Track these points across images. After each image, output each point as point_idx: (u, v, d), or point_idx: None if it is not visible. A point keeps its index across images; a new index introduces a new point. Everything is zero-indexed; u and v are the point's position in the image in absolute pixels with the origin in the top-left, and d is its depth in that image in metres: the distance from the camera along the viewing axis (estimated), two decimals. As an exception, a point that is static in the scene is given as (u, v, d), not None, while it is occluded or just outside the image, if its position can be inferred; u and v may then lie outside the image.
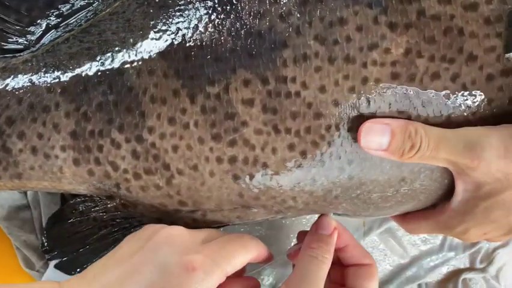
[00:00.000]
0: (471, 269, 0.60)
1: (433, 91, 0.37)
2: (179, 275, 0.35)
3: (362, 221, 0.58)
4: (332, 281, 0.45)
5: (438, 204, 0.43)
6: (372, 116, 0.37)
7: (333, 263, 0.44)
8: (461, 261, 0.60)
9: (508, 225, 0.40)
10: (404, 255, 0.59)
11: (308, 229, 0.45)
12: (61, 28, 0.44)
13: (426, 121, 0.37)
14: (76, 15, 0.44)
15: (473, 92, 0.37)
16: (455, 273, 0.60)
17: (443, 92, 0.37)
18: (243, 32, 0.38)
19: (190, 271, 0.35)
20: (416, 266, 0.59)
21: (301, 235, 0.46)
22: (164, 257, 0.36)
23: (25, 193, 0.51)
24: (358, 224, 0.58)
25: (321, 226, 0.43)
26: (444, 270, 0.60)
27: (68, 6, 0.44)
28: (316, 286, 0.40)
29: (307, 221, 0.56)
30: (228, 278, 0.38)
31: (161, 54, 0.39)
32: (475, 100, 0.37)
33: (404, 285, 0.59)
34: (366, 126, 0.37)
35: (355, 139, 0.38)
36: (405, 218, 0.45)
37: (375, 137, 0.37)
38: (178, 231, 0.39)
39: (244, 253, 0.39)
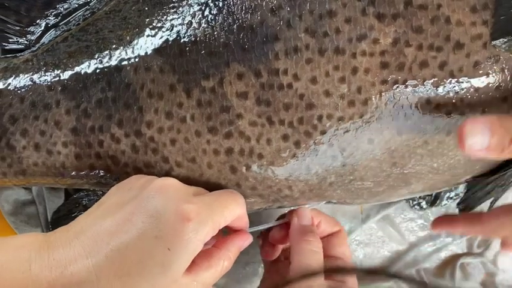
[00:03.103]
0: (469, 253, 0.61)
1: (421, 79, 0.38)
2: (174, 224, 0.35)
3: (360, 209, 0.59)
4: None
5: None
6: (364, 104, 0.38)
7: None
8: (458, 246, 0.61)
9: None
10: (402, 242, 0.60)
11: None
12: (60, 27, 0.45)
13: (417, 107, 0.38)
14: (74, 15, 0.45)
15: (461, 79, 0.38)
16: (453, 258, 0.61)
17: (431, 80, 0.38)
18: (235, 26, 0.39)
19: (185, 221, 0.35)
20: (414, 252, 0.60)
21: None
22: (157, 206, 0.35)
23: (30, 189, 0.53)
24: (356, 212, 0.59)
25: (302, 217, 0.44)
26: (442, 255, 0.61)
27: (66, 6, 0.45)
28: (319, 277, 0.41)
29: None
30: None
31: (157, 50, 0.40)
32: (463, 87, 0.38)
33: (402, 271, 0.60)
34: (469, 128, 0.36)
35: (346, 128, 0.39)
36: (481, 218, 0.43)
37: (478, 137, 0.35)
38: (170, 181, 0.38)
39: (235, 207, 0.39)
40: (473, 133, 0.35)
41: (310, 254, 0.42)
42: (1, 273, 0.32)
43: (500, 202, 0.60)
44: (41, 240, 0.35)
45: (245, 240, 0.42)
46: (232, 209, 0.39)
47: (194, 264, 0.36)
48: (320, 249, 0.43)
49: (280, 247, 0.49)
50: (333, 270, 0.45)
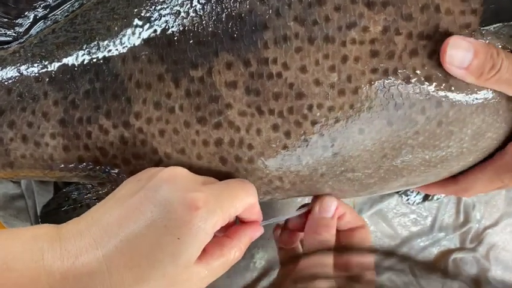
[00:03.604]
0: (461, 249, 0.61)
1: (411, 68, 0.38)
2: (182, 213, 0.35)
3: (352, 204, 0.59)
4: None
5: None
6: (354, 93, 0.38)
7: None
8: (451, 241, 0.61)
9: None
10: (394, 237, 0.60)
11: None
12: (48, 19, 0.45)
13: (407, 97, 0.38)
14: (62, 6, 0.45)
15: None
16: (446, 254, 0.61)
17: (422, 69, 0.38)
18: (224, 15, 0.38)
19: (193, 209, 0.35)
20: (406, 247, 0.60)
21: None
22: (165, 195, 0.35)
23: (19, 182, 0.52)
24: (348, 207, 0.59)
25: (325, 209, 0.44)
26: (434, 250, 0.61)
27: (54, -3, 0.45)
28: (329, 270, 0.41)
29: (299, 204, 0.57)
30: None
31: (145, 40, 0.40)
32: (453, 76, 0.38)
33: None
34: (453, 41, 0.36)
35: (337, 118, 0.39)
36: (457, 179, 0.45)
37: (460, 52, 0.36)
38: (179, 170, 0.38)
39: (245, 196, 0.39)
40: (457, 46, 0.36)
41: (319, 246, 0.42)
42: (15, 263, 0.32)
43: (489, 209, 0.61)
44: (53, 231, 0.35)
45: (257, 231, 0.41)
46: (242, 199, 0.39)
47: (205, 253, 0.36)
48: (330, 242, 0.42)
49: (298, 237, 0.49)
50: (346, 248, 0.45)
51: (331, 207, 0.44)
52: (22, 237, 0.34)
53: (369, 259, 0.42)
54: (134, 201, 0.36)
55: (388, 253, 0.44)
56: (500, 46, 0.38)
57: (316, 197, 0.45)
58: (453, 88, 0.38)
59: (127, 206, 0.36)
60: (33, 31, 0.45)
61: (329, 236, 0.43)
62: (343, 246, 0.45)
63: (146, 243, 0.34)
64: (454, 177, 0.45)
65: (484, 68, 0.36)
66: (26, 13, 0.45)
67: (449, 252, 0.61)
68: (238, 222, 0.42)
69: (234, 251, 0.39)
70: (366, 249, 0.44)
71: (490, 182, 0.44)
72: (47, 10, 0.45)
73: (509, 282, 0.61)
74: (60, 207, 0.48)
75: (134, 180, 0.38)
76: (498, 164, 0.42)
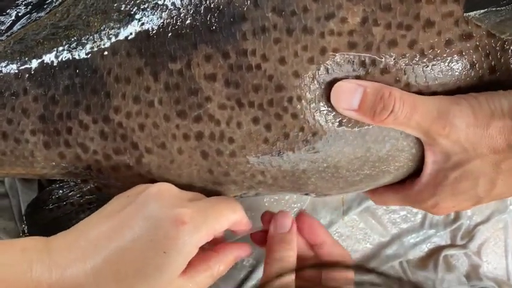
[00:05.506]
0: (452, 245, 0.60)
1: (393, 59, 0.37)
2: (168, 228, 0.36)
3: (341, 201, 0.58)
4: (308, 280, 0.45)
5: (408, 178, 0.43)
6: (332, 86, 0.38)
7: (308, 259, 0.44)
8: (442, 238, 0.60)
9: (476, 196, 0.40)
10: (384, 234, 0.59)
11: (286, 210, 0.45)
12: (30, 16, 0.45)
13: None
14: (44, 4, 0.45)
15: (432, 58, 0.37)
16: (436, 250, 0.60)
17: (401, 59, 0.37)
18: (202, 7, 0.38)
19: (179, 225, 0.36)
20: (396, 244, 0.59)
21: (267, 216, 0.46)
22: (153, 211, 0.37)
23: (2, 181, 0.52)
24: (337, 204, 0.58)
25: (279, 225, 0.44)
26: (425, 247, 0.60)
27: (37, -5, 0.45)
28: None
29: (285, 202, 0.57)
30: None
31: (124, 34, 0.40)
32: (435, 66, 0.38)
33: (385, 264, 0.59)
34: (336, 85, 0.37)
35: (317, 110, 0.38)
36: (374, 192, 0.46)
37: (346, 95, 0.37)
38: (166, 186, 0.39)
39: (231, 213, 0.40)
40: (339, 90, 0.37)
41: (275, 263, 0.42)
42: (5, 274, 0.34)
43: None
44: (42, 243, 0.37)
45: (244, 252, 0.42)
46: (228, 216, 0.39)
47: (191, 266, 0.37)
48: (288, 257, 0.42)
49: None
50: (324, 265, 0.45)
51: (285, 221, 0.44)
52: (11, 250, 0.35)
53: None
54: (123, 216, 0.37)
55: (367, 270, 0.44)
56: (485, 32, 0.37)
57: (274, 216, 0.45)
58: (435, 78, 0.38)
59: (116, 220, 0.37)
60: (15, 28, 0.45)
61: (288, 252, 0.42)
62: (322, 263, 0.45)
63: (133, 257, 0.35)
64: (373, 190, 0.45)
65: (376, 109, 0.37)
66: (8, 11, 0.45)
67: (440, 249, 0.60)
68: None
69: (218, 266, 0.40)
70: (343, 265, 0.44)
71: (400, 203, 0.45)
72: (29, 8, 0.45)
73: (501, 279, 0.61)
74: (45, 205, 0.47)
75: (123, 196, 0.39)
76: (407, 193, 0.42)
